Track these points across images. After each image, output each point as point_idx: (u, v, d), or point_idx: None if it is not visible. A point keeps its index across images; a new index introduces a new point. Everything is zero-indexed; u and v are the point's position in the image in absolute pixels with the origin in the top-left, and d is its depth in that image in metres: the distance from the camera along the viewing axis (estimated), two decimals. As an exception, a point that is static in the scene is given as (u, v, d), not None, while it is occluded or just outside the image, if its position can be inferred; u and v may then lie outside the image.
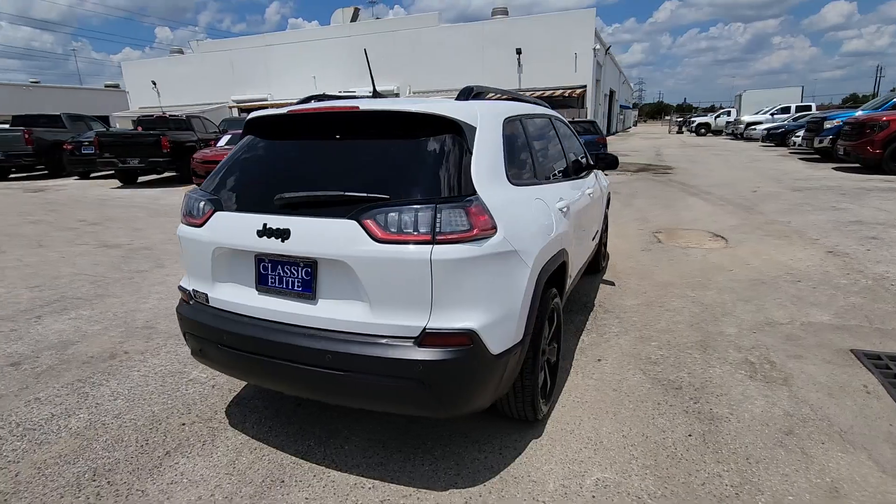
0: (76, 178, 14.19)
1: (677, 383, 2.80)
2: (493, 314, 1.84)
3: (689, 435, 2.34)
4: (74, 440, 2.37)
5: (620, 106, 48.97)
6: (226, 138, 11.66)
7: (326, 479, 2.08)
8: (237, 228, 1.96)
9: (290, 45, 30.86)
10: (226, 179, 2.15)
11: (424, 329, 1.74)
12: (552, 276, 2.40)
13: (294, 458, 2.22)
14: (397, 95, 28.43)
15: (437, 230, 1.71)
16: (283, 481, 2.07)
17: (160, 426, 2.47)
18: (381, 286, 1.76)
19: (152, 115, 15.02)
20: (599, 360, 3.11)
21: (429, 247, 1.69)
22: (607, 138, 31.36)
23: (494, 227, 1.83)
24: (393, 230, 1.72)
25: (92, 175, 13.97)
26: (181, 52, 36.12)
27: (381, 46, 29.05)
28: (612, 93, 38.68)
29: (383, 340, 1.77)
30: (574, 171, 3.34)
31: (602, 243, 4.69)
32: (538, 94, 25.38)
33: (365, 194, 1.79)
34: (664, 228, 6.67)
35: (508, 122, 2.30)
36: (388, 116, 1.99)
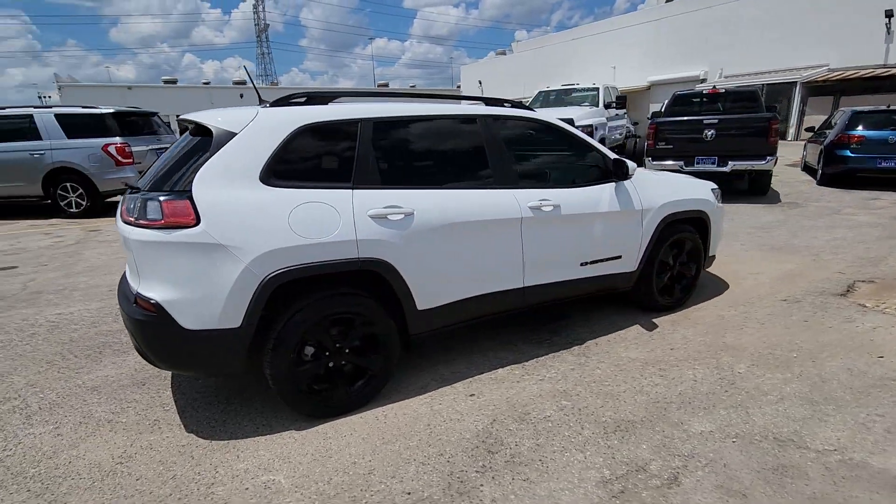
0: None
1: (501, 446, 2.29)
2: (186, 294, 2.15)
3: (408, 493, 2.02)
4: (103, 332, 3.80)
5: None
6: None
7: (160, 396, 2.81)
8: None
9: (594, 36, 30.85)
10: None
11: (136, 292, 2.23)
12: (338, 280, 2.42)
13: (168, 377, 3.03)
14: (703, 81, 24.94)
15: (137, 216, 2.15)
16: (143, 385, 2.92)
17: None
18: (127, 254, 2.33)
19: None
20: (472, 395, 2.74)
21: (130, 228, 2.17)
22: None
23: (196, 221, 2.12)
24: (127, 213, 2.25)
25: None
26: (504, 53, 40.82)
27: (690, 26, 25.88)
28: None
29: (131, 297, 2.34)
30: (509, 181, 2.89)
31: (657, 273, 3.66)
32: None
33: (133, 185, 2.37)
34: (887, 278, 4.37)
35: (308, 128, 2.39)
36: (188, 122, 2.48)
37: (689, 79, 25.88)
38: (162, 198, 2.14)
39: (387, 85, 59.35)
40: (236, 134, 2.28)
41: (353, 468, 2.18)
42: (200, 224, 2.13)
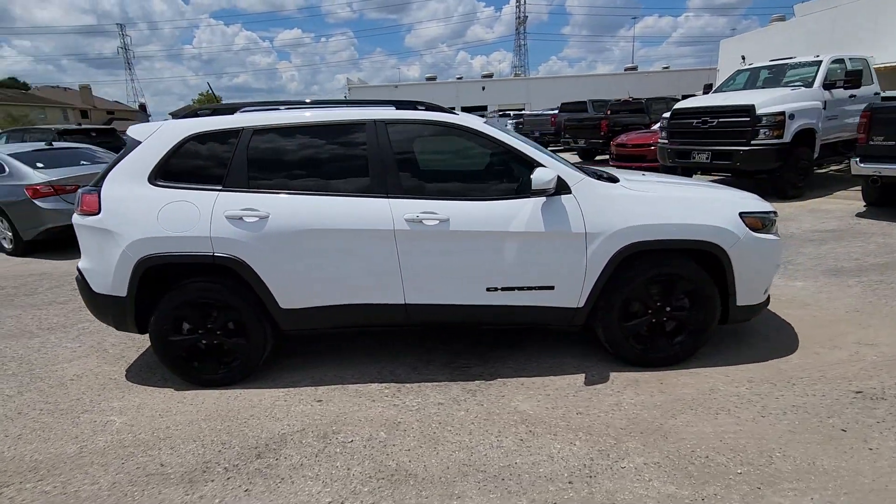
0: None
1: (272, 455, 2.34)
2: (93, 265, 2.84)
3: (161, 465, 2.30)
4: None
5: None
6: (661, 123, 11.43)
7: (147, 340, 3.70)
8: None
9: (920, -17, 22.32)
10: None
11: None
12: (207, 270, 2.80)
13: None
14: None
15: (75, 204, 2.92)
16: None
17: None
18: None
19: (620, 100, 16.06)
20: (320, 401, 2.77)
21: (73, 212, 2.96)
22: None
23: (98, 209, 2.77)
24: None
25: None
26: (783, 18, 33.12)
27: None
28: None
29: None
30: (391, 191, 2.71)
31: (625, 316, 2.85)
32: None
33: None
34: None
35: (193, 137, 2.77)
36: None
37: None
38: (83, 191, 2.87)
39: (635, 68, 53.38)
40: (140, 142, 2.84)
41: (162, 431, 2.55)
42: (101, 213, 2.78)
